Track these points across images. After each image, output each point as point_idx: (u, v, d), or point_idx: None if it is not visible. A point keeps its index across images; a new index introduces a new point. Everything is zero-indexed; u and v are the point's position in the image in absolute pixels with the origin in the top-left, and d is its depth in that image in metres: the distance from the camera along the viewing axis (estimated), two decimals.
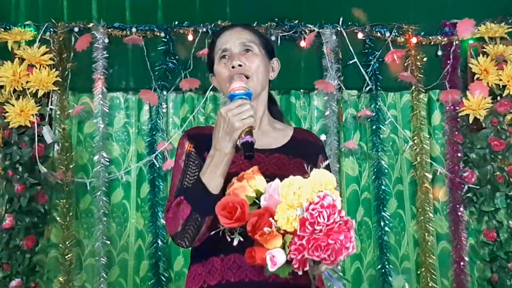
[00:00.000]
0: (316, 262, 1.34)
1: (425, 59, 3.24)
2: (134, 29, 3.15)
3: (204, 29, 3.17)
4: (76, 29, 3.14)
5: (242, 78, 1.60)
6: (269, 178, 1.42)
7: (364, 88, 3.23)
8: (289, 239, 1.33)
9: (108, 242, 3.07)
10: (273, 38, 3.18)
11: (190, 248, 1.65)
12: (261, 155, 1.61)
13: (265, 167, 1.54)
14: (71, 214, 3.07)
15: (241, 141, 1.46)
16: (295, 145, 1.71)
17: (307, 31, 3.21)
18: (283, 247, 1.34)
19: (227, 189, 1.44)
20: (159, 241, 3.06)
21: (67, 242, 3.04)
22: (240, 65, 1.64)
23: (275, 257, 1.32)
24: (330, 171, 1.63)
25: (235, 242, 1.38)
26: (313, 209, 1.31)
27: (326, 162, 1.49)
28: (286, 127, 1.81)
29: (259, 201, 1.39)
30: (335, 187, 1.39)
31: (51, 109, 3.09)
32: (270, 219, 1.34)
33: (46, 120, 3.06)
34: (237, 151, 1.51)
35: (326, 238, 1.30)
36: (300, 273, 1.34)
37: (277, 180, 1.39)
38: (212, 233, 1.43)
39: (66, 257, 3.03)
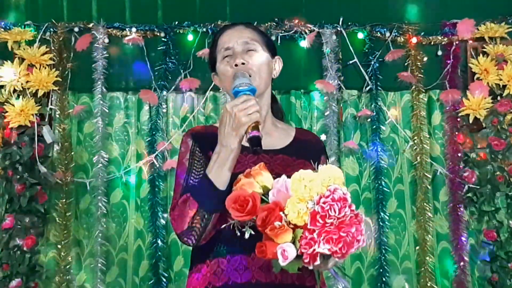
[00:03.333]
0: (326, 257, 1.34)
1: (425, 59, 3.23)
2: (134, 29, 3.15)
3: (204, 29, 3.17)
4: (76, 29, 3.14)
5: (246, 75, 1.59)
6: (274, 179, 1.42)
7: (364, 88, 3.23)
8: (299, 233, 1.33)
9: (107, 243, 3.06)
10: (273, 38, 3.17)
11: (191, 248, 1.65)
12: (266, 156, 1.61)
13: (270, 167, 1.52)
14: (70, 214, 3.07)
15: (248, 136, 1.46)
16: (298, 146, 1.72)
17: (307, 31, 3.21)
18: (293, 241, 1.33)
19: (233, 186, 1.44)
20: (159, 241, 3.06)
21: (67, 242, 3.03)
22: (243, 64, 1.63)
23: (286, 251, 1.32)
24: None
25: (247, 235, 1.37)
26: (324, 202, 1.31)
27: (332, 158, 1.49)
28: (288, 127, 1.82)
29: (267, 197, 1.39)
30: (343, 182, 1.39)
31: (51, 109, 3.09)
32: (280, 213, 1.33)
33: (46, 120, 3.06)
34: (241, 151, 1.51)
35: (337, 231, 1.30)
36: (310, 267, 1.34)
37: (284, 176, 1.39)
38: (223, 226, 1.43)
39: (66, 257, 3.02)
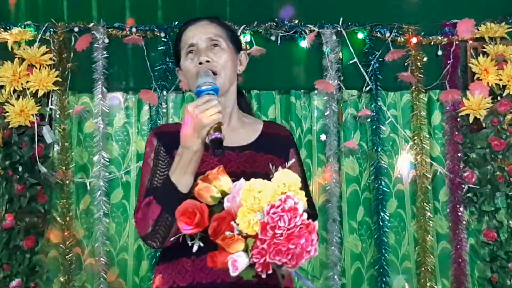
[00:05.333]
0: (279, 265, 1.33)
1: (425, 59, 3.23)
2: (134, 29, 3.15)
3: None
4: (76, 29, 3.14)
5: (209, 74, 1.57)
6: (240, 176, 1.40)
7: (364, 88, 3.23)
8: (252, 242, 1.31)
9: (108, 242, 3.07)
10: (273, 38, 3.18)
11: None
12: (232, 153, 1.59)
13: (236, 165, 1.52)
14: (71, 214, 3.07)
15: (209, 138, 1.43)
16: (265, 140, 1.69)
17: (307, 31, 3.21)
18: (246, 250, 1.32)
19: (193, 189, 1.42)
20: None
21: (67, 242, 3.03)
22: (208, 61, 1.61)
23: (236, 261, 1.31)
24: (302, 164, 1.60)
25: (195, 248, 1.36)
26: (274, 213, 1.30)
27: (291, 161, 1.49)
28: (255, 121, 1.79)
29: (223, 201, 1.37)
30: (300, 187, 1.37)
31: (51, 109, 3.09)
32: (232, 222, 1.32)
33: (46, 120, 3.06)
34: (206, 149, 1.48)
35: (286, 242, 1.29)
36: (263, 275, 1.32)
37: (241, 180, 1.36)
38: (172, 239, 1.40)
39: (66, 257, 3.02)
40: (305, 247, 1.31)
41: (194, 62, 1.63)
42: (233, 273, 1.31)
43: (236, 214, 1.32)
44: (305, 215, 1.33)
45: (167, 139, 1.63)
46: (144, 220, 1.50)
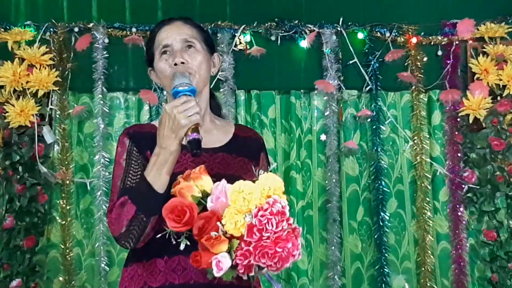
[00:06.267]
0: (260, 267, 1.33)
1: (425, 59, 3.24)
2: (134, 29, 3.15)
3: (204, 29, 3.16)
4: (76, 29, 3.14)
5: (185, 75, 1.56)
6: (214, 178, 1.40)
7: (364, 88, 3.23)
8: (236, 243, 1.31)
9: (108, 242, 3.06)
10: (273, 38, 3.18)
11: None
12: (205, 154, 1.57)
13: (209, 166, 1.50)
14: (71, 214, 3.07)
15: (187, 139, 1.43)
16: (237, 143, 1.69)
17: (307, 31, 3.21)
18: (229, 251, 1.32)
19: (172, 188, 1.42)
20: None
21: (67, 242, 3.03)
22: (182, 63, 1.60)
23: (221, 262, 1.30)
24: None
25: (182, 246, 1.36)
26: (262, 216, 1.30)
27: (274, 164, 1.47)
28: (226, 123, 1.79)
29: (205, 201, 1.37)
30: (283, 191, 1.37)
31: (51, 109, 3.08)
32: (217, 223, 1.31)
33: (46, 120, 3.06)
34: (181, 150, 1.48)
35: (274, 245, 1.29)
36: (244, 277, 1.33)
37: (223, 181, 1.36)
38: (158, 236, 1.39)
39: (66, 257, 3.02)
40: (291, 251, 1.31)
41: (168, 63, 1.62)
42: (217, 274, 1.30)
43: (221, 215, 1.32)
44: (292, 220, 1.34)
45: (139, 139, 1.61)
46: (118, 220, 1.48)
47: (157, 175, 1.46)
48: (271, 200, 1.32)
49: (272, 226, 1.30)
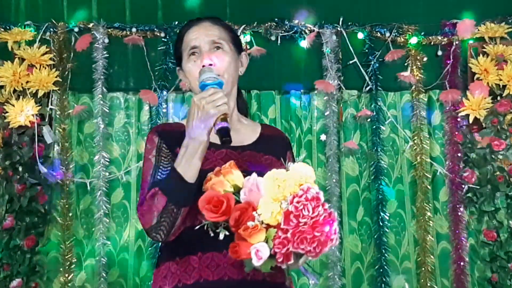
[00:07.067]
0: (298, 255, 1.35)
1: (425, 59, 3.24)
2: (134, 29, 3.15)
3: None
4: (76, 29, 3.14)
5: (212, 69, 1.58)
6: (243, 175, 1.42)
7: (364, 88, 3.23)
8: (273, 232, 1.33)
9: (108, 242, 3.07)
10: (273, 38, 3.18)
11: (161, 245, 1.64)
12: (234, 152, 1.60)
13: (238, 164, 1.50)
14: (71, 214, 3.07)
15: (216, 128, 1.45)
16: (265, 142, 1.71)
17: (307, 31, 3.21)
18: (266, 241, 1.33)
19: (204, 185, 1.43)
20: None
21: (67, 242, 3.03)
22: (210, 65, 1.62)
23: (259, 251, 1.32)
24: None
25: (221, 236, 1.37)
26: (297, 202, 1.32)
27: (303, 155, 1.50)
28: (253, 123, 1.81)
29: (237, 195, 1.39)
30: (314, 180, 1.40)
31: (51, 109, 3.09)
32: (254, 213, 1.33)
33: (46, 120, 3.06)
34: (209, 147, 1.50)
35: (311, 230, 1.31)
36: (283, 266, 1.34)
37: (254, 174, 1.38)
38: (196, 227, 1.41)
39: (66, 257, 3.03)
40: (329, 235, 1.33)
41: (196, 64, 1.64)
42: (257, 263, 1.32)
43: (256, 206, 1.34)
44: (327, 205, 1.35)
45: (168, 136, 1.63)
46: (149, 211, 1.49)
47: (187, 165, 1.47)
48: (305, 186, 1.34)
49: (309, 211, 1.31)
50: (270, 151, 1.68)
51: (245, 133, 1.71)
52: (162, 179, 1.54)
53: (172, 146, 1.60)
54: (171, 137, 1.62)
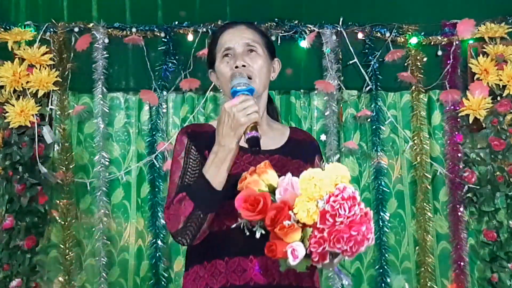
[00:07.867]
0: (333, 255, 1.35)
1: (425, 59, 3.24)
2: (134, 29, 3.15)
3: (204, 29, 3.17)
4: (76, 29, 3.14)
5: (244, 75, 1.58)
6: None
7: (364, 88, 3.23)
8: (308, 232, 1.33)
9: (108, 242, 3.07)
10: (273, 38, 3.17)
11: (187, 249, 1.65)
12: (262, 156, 1.60)
13: None
14: (71, 214, 3.07)
15: (246, 137, 1.45)
16: (293, 146, 1.72)
17: (307, 31, 3.21)
18: (302, 240, 1.33)
19: (238, 184, 1.44)
20: (159, 241, 3.06)
21: (67, 242, 3.04)
22: (243, 66, 1.63)
23: (296, 250, 1.32)
24: None
25: (258, 235, 1.37)
26: (334, 201, 1.32)
27: (337, 156, 1.50)
28: (282, 127, 1.82)
29: (272, 195, 1.39)
30: (350, 179, 1.40)
31: (51, 109, 3.09)
32: (290, 212, 1.33)
33: (46, 120, 3.06)
34: (239, 150, 1.51)
35: (348, 229, 1.31)
36: (319, 266, 1.34)
37: (289, 174, 1.39)
38: (233, 226, 1.42)
39: (66, 257, 3.03)
40: (366, 234, 1.33)
41: (229, 66, 1.65)
42: (293, 262, 1.32)
43: (292, 205, 1.34)
44: (363, 204, 1.35)
45: (197, 138, 1.64)
46: (176, 216, 1.51)
47: (215, 173, 1.48)
48: (341, 186, 1.34)
49: (345, 211, 1.31)
50: (298, 155, 1.68)
51: (274, 137, 1.72)
52: (190, 184, 1.56)
53: (201, 148, 1.61)
54: (200, 139, 1.63)
